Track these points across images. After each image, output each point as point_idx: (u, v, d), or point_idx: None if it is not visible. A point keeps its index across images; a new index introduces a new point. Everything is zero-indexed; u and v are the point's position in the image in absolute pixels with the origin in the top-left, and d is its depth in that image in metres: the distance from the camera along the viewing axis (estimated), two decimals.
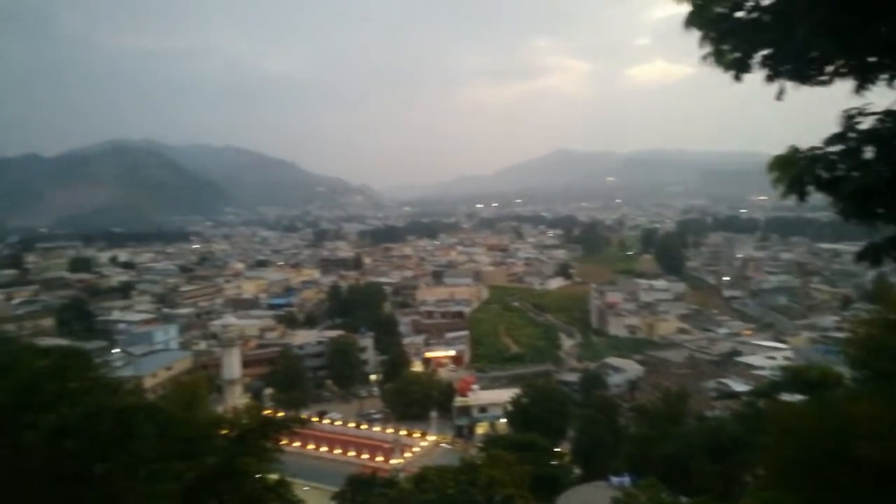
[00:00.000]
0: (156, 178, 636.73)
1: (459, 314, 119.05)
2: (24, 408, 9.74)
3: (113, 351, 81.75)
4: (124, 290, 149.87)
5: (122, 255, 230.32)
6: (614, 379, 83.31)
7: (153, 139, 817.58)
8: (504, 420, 66.97)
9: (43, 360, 10.78)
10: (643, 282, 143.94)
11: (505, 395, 69.72)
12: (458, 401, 72.39)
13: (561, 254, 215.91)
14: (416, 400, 73.44)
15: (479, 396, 73.30)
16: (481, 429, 69.80)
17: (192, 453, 11.92)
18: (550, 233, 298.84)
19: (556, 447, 53.66)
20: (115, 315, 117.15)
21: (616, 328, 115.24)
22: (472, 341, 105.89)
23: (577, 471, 48.67)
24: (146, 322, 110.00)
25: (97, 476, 9.29)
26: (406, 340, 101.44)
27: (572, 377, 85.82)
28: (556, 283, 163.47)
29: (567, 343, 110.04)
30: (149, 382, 67.25)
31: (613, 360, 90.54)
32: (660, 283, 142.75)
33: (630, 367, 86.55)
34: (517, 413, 63.14)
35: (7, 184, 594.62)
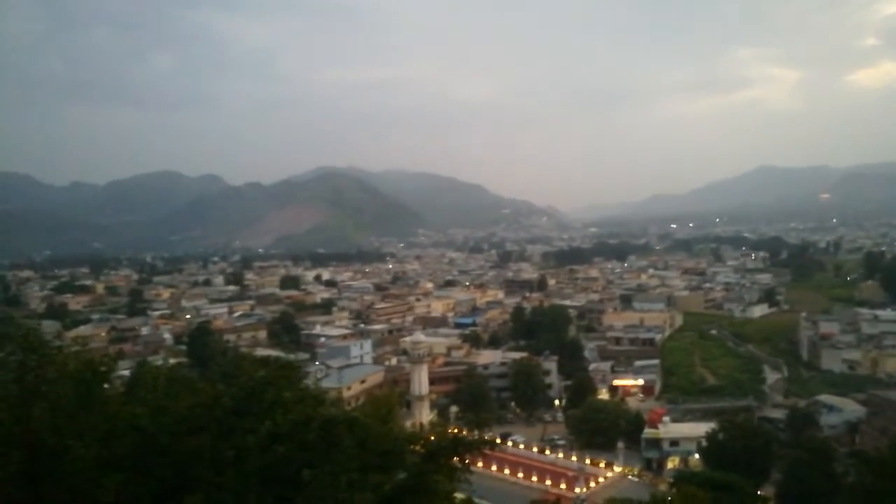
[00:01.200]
0: (357, 202, 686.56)
1: (650, 341, 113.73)
2: (246, 413, 10.75)
3: (315, 363, 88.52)
4: (326, 307, 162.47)
5: (326, 274, 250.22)
6: (829, 419, 74.54)
7: (356, 166, 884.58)
8: (697, 456, 62.79)
9: (261, 371, 11.81)
10: (866, 311, 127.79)
11: (699, 429, 65.42)
12: (648, 432, 68.92)
13: (766, 278, 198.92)
14: (601, 428, 71.07)
15: (671, 429, 69.20)
16: (672, 463, 65.93)
17: (388, 467, 12.33)
18: (754, 255, 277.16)
19: (758, 490, 49.02)
20: (318, 329, 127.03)
21: (831, 362, 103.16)
22: (663, 370, 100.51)
23: None
24: (344, 337, 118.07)
25: (304, 481, 9.90)
26: (591, 366, 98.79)
27: (777, 414, 78.14)
28: (759, 311, 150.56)
29: (772, 377, 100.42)
30: (345, 394, 71.92)
31: (827, 398, 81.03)
32: (887, 312, 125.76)
33: (848, 407, 76.88)
34: (713, 449, 58.86)
35: (233, 209, 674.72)
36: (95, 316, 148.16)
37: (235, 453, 10.04)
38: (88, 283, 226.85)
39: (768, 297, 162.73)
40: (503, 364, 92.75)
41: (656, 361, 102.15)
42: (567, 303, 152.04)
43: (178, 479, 10.28)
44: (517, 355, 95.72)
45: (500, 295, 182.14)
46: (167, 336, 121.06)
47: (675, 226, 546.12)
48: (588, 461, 61.29)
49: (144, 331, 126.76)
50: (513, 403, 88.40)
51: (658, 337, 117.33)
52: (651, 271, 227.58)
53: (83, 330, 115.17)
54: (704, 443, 60.48)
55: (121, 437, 10.34)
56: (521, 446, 67.78)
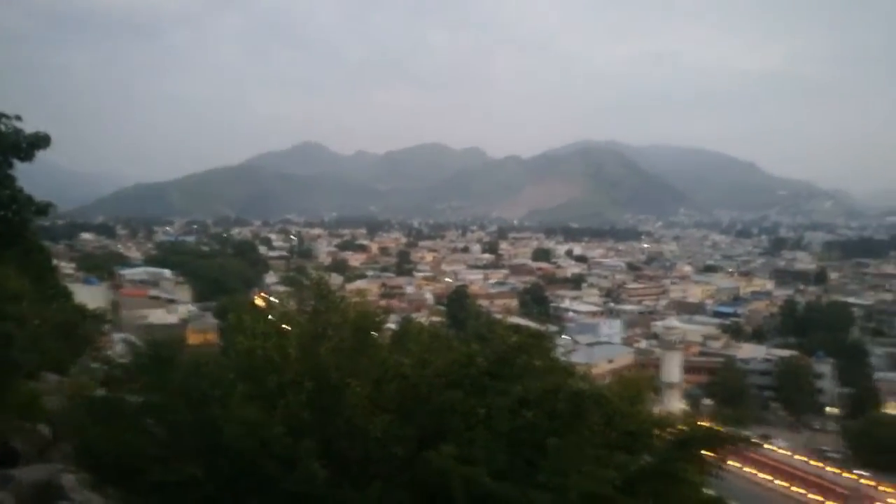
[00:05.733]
0: (615, 178, 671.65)
1: None
2: (498, 376, 11.23)
3: (562, 336, 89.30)
4: (576, 282, 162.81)
5: (577, 249, 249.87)
6: None
7: (617, 140, 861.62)
8: None
9: (514, 336, 12.23)
10: None
11: None
12: None
13: None
14: (887, 447, 61.86)
15: None
16: None
17: (634, 448, 12.07)
18: None
19: None
20: (566, 304, 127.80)
21: None
22: None
23: None
24: (593, 314, 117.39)
25: (550, 448, 10.05)
26: (878, 375, 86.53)
27: None
28: None
29: None
30: (592, 371, 71.57)
31: None
32: None
33: None
34: None
35: (492, 181, 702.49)
36: (369, 272, 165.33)
37: (486, 412, 10.55)
38: (365, 242, 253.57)
39: None
40: (767, 360, 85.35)
41: None
42: (851, 300, 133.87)
43: (434, 427, 11.05)
44: (784, 353, 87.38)
45: (769, 285, 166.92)
46: (428, 296, 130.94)
47: None
48: (867, 481, 53.97)
49: (409, 289, 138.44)
50: (775, 404, 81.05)
51: None
52: None
53: (360, 284, 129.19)
54: None
55: (389, 382, 11.37)
56: (783, 451, 61.87)
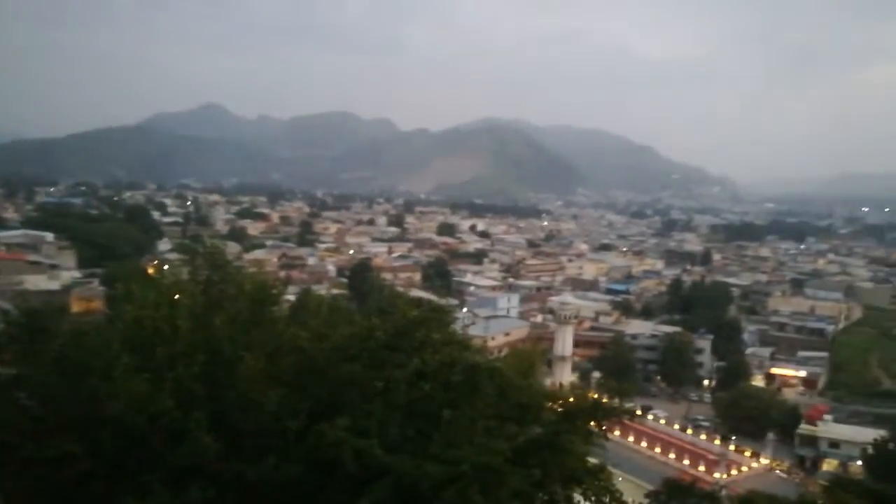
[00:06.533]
0: (519, 156, 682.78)
1: (819, 332, 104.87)
2: (397, 349, 11.34)
3: (463, 310, 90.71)
4: (478, 257, 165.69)
5: (481, 225, 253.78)
6: None
7: (522, 119, 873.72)
8: (860, 463, 57.77)
9: (414, 310, 12.35)
10: None
11: (866, 434, 60.02)
12: (804, 428, 64.27)
13: None
14: (751, 416, 67.26)
15: (831, 429, 64.01)
16: (828, 466, 61.23)
17: (524, 419, 12.50)
18: None
19: None
20: (468, 278, 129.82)
21: None
22: (831, 365, 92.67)
23: None
24: (493, 288, 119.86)
25: (444, 420, 10.27)
26: (748, 350, 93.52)
27: None
28: None
29: None
30: (489, 344, 73.22)
31: None
32: None
33: None
34: (879, 459, 53.80)
35: (401, 154, 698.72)
36: (269, 242, 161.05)
37: (384, 385, 10.66)
38: (266, 211, 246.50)
39: None
40: (653, 336, 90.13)
41: (824, 354, 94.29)
42: (731, 280, 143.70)
43: (330, 400, 11.04)
44: (669, 329, 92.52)
45: (659, 265, 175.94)
46: (331, 268, 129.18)
47: (866, 209, 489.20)
48: (733, 448, 58.55)
49: (311, 261, 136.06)
50: (658, 377, 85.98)
51: (830, 328, 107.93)
52: (831, 256, 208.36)
53: (258, 254, 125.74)
54: (870, 450, 55.43)
55: (285, 355, 11.23)
56: (662, 422, 65.90)
